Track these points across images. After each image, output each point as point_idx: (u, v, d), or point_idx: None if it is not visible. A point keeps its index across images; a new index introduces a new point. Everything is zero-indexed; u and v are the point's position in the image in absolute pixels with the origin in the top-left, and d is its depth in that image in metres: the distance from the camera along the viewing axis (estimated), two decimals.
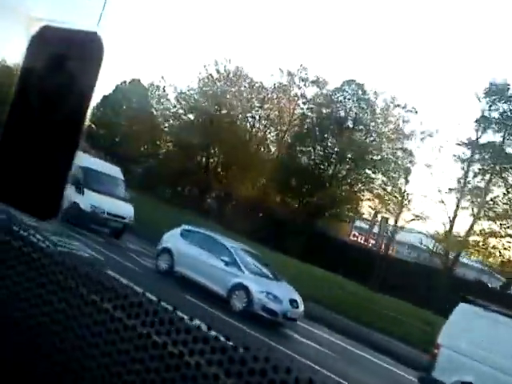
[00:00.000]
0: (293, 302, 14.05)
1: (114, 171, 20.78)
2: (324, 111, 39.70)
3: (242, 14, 60.78)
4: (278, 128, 42.74)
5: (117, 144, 42.15)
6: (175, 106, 45.03)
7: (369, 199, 38.16)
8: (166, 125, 45.69)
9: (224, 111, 41.79)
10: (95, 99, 1.19)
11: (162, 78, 45.72)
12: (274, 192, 40.36)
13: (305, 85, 41.14)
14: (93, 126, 40.30)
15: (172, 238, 16.07)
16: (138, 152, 43.14)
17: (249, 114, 42.63)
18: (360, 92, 38.69)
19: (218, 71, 42.28)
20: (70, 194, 16.86)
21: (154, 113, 46.49)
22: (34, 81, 1.17)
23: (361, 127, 39.22)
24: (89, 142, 33.59)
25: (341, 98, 39.46)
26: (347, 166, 39.02)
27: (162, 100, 46.74)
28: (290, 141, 41.73)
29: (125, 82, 46.18)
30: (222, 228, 24.71)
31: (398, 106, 37.34)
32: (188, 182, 42.29)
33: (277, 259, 21.37)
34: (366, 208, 38.63)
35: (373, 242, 37.08)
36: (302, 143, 40.08)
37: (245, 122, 43.27)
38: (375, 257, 32.83)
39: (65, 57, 1.17)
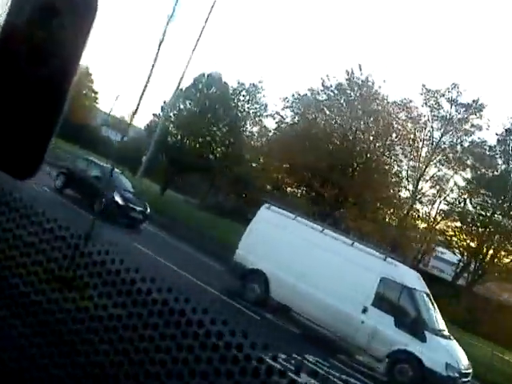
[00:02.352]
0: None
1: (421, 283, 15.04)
2: None
3: None
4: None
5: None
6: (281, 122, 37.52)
7: None
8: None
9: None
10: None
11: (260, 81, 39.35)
12: None
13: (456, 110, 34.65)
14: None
15: None
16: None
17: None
18: None
19: (348, 79, 35.09)
20: (397, 338, 13.08)
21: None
22: (18, 34, 1.08)
23: None
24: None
25: None
26: None
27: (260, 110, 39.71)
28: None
29: (203, 74, 39.04)
30: None
31: None
32: None
33: None
34: None
35: None
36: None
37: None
38: None
39: (53, 9, 1.07)
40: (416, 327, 13.10)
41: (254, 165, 41.80)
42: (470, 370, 13.40)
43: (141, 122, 48.38)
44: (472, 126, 34.40)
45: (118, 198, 19.21)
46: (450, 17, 59.69)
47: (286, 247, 15.28)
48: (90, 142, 52.09)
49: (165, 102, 41.84)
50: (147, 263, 13.54)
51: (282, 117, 37.65)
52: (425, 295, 14.13)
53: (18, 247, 3.28)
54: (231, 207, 40.26)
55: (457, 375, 12.54)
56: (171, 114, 41.65)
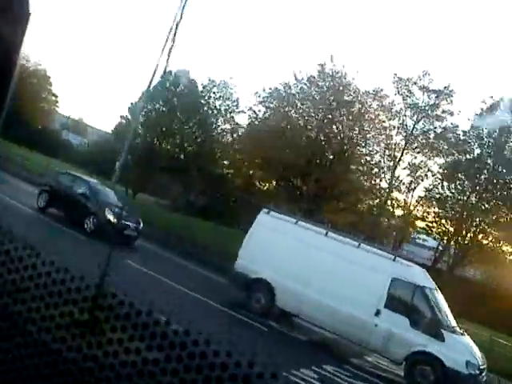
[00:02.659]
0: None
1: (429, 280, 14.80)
2: None
3: None
4: None
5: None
6: (254, 118, 36.71)
7: None
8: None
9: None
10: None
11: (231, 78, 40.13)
12: None
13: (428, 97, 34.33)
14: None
15: None
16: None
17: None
18: None
19: (321, 71, 34.41)
20: (414, 339, 12.87)
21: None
22: None
23: None
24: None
25: None
26: None
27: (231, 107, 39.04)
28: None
29: (170, 71, 36.94)
30: None
31: None
32: None
33: None
34: None
35: None
36: None
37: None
38: None
39: None
40: (432, 326, 12.96)
41: (225, 162, 41.34)
42: (486, 365, 13.36)
43: (104, 125, 47.32)
44: (443, 111, 34.65)
45: (110, 216, 18.20)
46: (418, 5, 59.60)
47: (290, 253, 14.93)
48: (50, 146, 50.47)
49: (132, 104, 40.90)
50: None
51: (254, 112, 37.11)
52: (435, 292, 14.00)
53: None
54: (203, 206, 39.72)
55: (477, 372, 12.47)
56: (139, 115, 40.64)
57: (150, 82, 35.45)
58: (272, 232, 15.38)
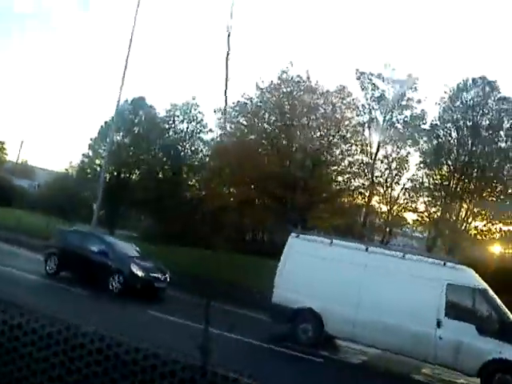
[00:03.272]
0: None
1: None
2: None
3: None
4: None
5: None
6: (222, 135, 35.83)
7: None
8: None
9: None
10: None
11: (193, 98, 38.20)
12: None
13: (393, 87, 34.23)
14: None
15: None
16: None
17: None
18: None
19: (282, 78, 34.07)
20: (486, 347, 12.00)
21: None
22: None
23: None
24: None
25: None
26: None
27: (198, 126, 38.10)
28: None
29: (126, 100, 36.07)
30: None
31: None
32: None
33: None
34: None
35: None
36: None
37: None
38: None
39: None
40: (502, 330, 12.30)
41: (197, 184, 40.11)
42: None
43: (51, 164, 45.25)
44: (408, 99, 34.70)
45: (138, 271, 16.60)
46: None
47: (331, 276, 14.06)
48: (6, 196, 47.73)
49: (92, 139, 39.18)
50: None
51: (223, 128, 36.14)
52: (491, 292, 13.38)
53: None
54: (178, 232, 38.30)
55: None
56: (100, 150, 38.99)
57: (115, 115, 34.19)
58: (307, 256, 14.48)
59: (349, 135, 34.62)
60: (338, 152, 34.14)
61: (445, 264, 13.36)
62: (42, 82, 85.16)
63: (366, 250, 14.23)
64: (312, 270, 14.30)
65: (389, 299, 13.27)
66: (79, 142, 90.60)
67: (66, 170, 54.58)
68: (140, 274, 16.61)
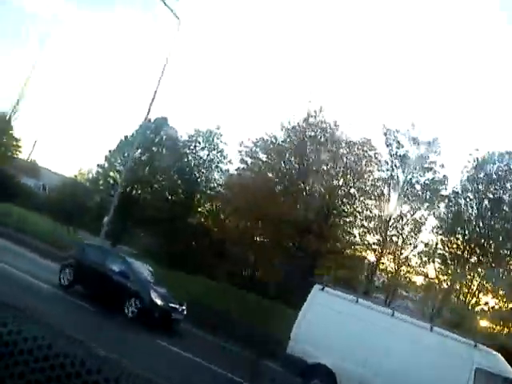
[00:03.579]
0: None
1: None
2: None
3: None
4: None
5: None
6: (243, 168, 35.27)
7: None
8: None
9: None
10: None
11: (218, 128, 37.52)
12: None
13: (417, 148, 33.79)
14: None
15: None
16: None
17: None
18: None
19: (308, 122, 34.04)
20: None
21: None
22: None
23: None
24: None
25: None
26: None
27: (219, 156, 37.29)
28: None
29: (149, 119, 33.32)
30: None
31: None
32: None
33: None
34: None
35: None
36: None
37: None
38: None
39: None
40: None
41: (206, 213, 39.63)
42: None
43: (59, 168, 44.62)
44: (431, 162, 34.47)
45: (157, 300, 15.80)
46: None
47: (351, 335, 13.45)
48: (11, 193, 47.11)
49: (110, 152, 38.87)
50: None
51: (245, 162, 35.89)
52: None
53: None
54: (176, 255, 37.62)
55: None
56: (116, 164, 38.68)
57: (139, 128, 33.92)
58: (329, 311, 13.89)
59: (367, 188, 34.32)
60: (356, 204, 33.78)
61: (475, 346, 12.72)
62: (63, 84, 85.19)
63: (392, 315, 13.64)
64: (333, 326, 13.72)
65: (412, 370, 12.63)
66: (89, 150, 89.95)
67: (76, 176, 54.30)
68: (159, 302, 15.86)
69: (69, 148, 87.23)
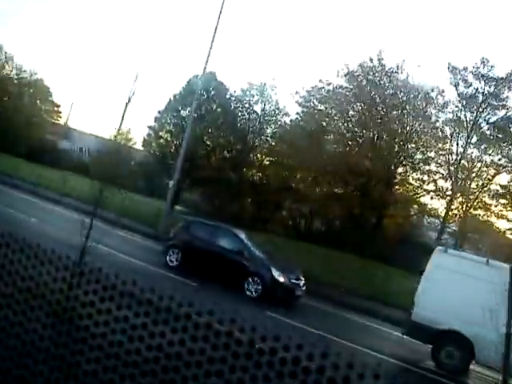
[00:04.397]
0: None
1: None
2: None
3: None
4: None
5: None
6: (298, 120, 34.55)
7: None
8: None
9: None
10: None
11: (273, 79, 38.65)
12: None
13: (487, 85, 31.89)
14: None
15: None
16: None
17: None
18: None
19: (365, 67, 32.44)
20: None
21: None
22: None
23: None
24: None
25: None
26: None
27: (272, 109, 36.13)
28: None
29: (196, 75, 34.04)
30: None
31: None
32: None
33: None
34: None
35: None
36: None
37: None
38: None
39: None
40: None
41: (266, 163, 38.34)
42: None
43: (103, 132, 43.49)
44: (502, 99, 32.24)
45: (280, 277, 14.72)
46: None
47: (484, 298, 12.29)
48: (48, 156, 46.49)
49: (159, 112, 37.69)
50: None
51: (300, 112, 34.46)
52: None
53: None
54: (233, 213, 36.75)
55: None
56: (166, 124, 37.54)
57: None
58: (455, 274, 12.77)
59: (435, 132, 32.56)
60: (425, 149, 32.07)
61: None
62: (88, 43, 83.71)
63: None
64: (460, 290, 12.62)
65: None
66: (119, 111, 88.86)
67: (115, 136, 52.91)
68: (282, 280, 14.82)
69: (98, 108, 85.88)
